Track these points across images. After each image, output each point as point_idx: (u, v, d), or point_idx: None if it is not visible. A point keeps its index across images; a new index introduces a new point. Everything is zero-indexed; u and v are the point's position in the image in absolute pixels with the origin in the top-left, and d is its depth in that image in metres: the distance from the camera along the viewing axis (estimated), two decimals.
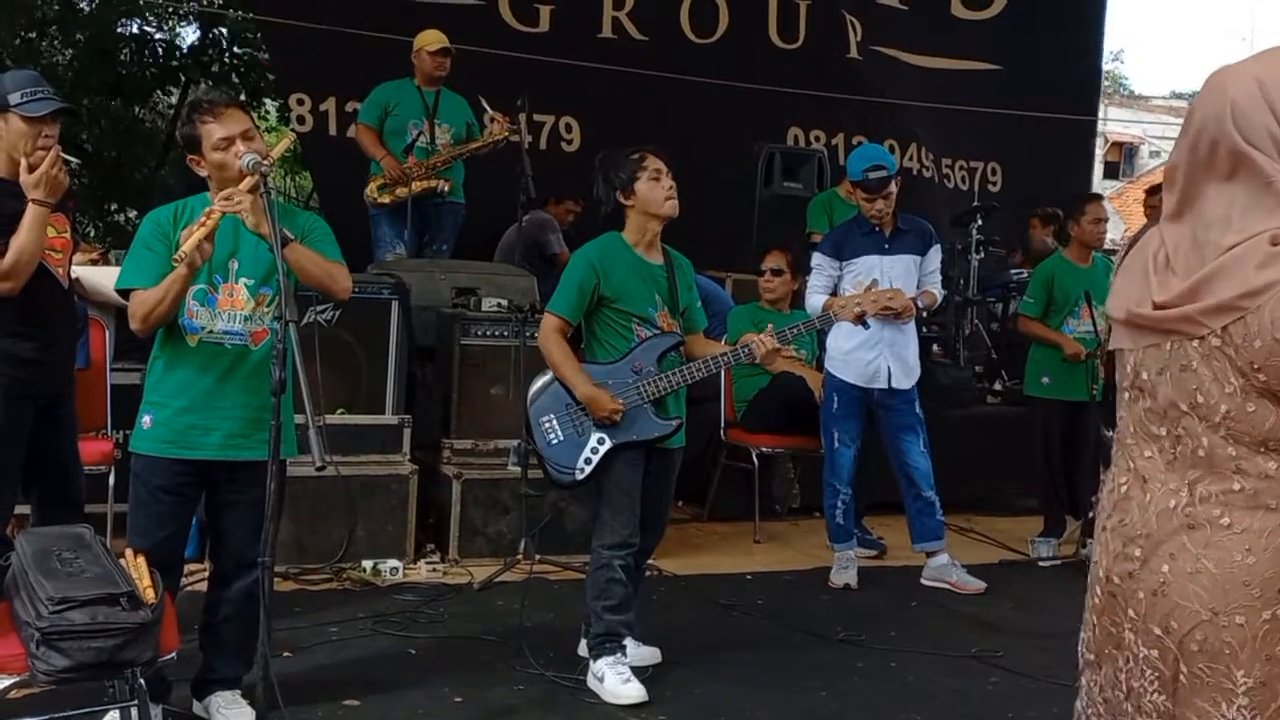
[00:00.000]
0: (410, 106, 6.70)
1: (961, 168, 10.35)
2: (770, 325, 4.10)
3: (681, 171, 4.08)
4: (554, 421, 3.95)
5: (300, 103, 8.06)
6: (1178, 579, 1.67)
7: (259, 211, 3.16)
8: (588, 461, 3.92)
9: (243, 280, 3.36)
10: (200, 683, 3.52)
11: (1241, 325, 1.58)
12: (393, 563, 5.12)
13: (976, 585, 5.36)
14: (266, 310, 3.36)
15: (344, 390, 5.40)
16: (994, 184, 10.36)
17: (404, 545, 5.25)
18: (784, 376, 6.07)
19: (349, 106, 7.75)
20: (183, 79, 13.90)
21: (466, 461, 5.53)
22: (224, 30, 13.94)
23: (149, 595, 2.83)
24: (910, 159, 9.83)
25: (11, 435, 3.67)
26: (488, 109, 6.72)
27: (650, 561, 4.57)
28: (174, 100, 14.90)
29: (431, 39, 6.75)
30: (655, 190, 3.97)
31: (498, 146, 6.67)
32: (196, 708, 3.51)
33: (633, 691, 3.82)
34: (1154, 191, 6.65)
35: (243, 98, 11.30)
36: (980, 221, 8.25)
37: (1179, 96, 33.03)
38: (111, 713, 2.92)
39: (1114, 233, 14.18)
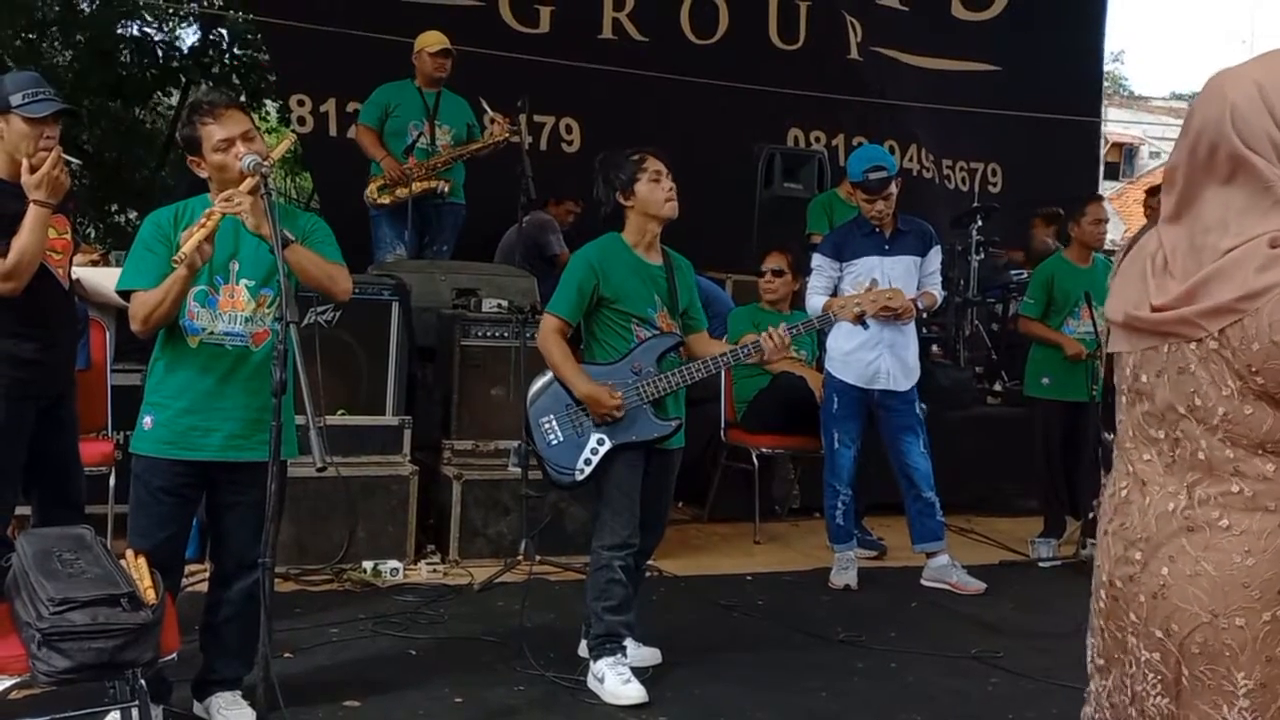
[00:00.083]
0: (411, 107, 6.70)
1: (962, 169, 10.35)
2: (783, 325, 4.09)
3: (681, 172, 4.08)
4: (553, 422, 3.95)
5: (301, 104, 8.08)
6: (1177, 581, 1.67)
7: (259, 213, 3.17)
8: (587, 462, 3.92)
9: (243, 281, 3.36)
10: (201, 683, 3.52)
11: (1239, 328, 1.58)
12: (393, 563, 5.13)
13: (976, 586, 5.36)
14: (267, 311, 3.36)
15: (344, 391, 5.40)
16: (994, 185, 10.37)
17: (404, 546, 5.25)
18: (784, 377, 6.07)
19: (349, 107, 7.76)
20: (183, 80, 13.91)
21: (467, 462, 5.54)
22: (224, 31, 13.95)
23: (150, 596, 2.83)
24: (910, 160, 9.83)
25: (12, 436, 3.67)
26: (488, 110, 6.72)
27: (650, 562, 4.57)
28: (174, 101, 14.90)
29: (432, 40, 6.76)
30: (655, 192, 3.97)
31: (498, 148, 6.67)
32: (197, 708, 3.51)
33: (633, 692, 3.82)
34: (1154, 192, 6.65)
35: (243, 99, 11.29)
36: (980, 222, 8.26)
37: (1179, 97, 33.04)
38: (112, 713, 2.92)
39: (1114, 233, 14.18)
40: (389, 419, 5.47)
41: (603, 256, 4.00)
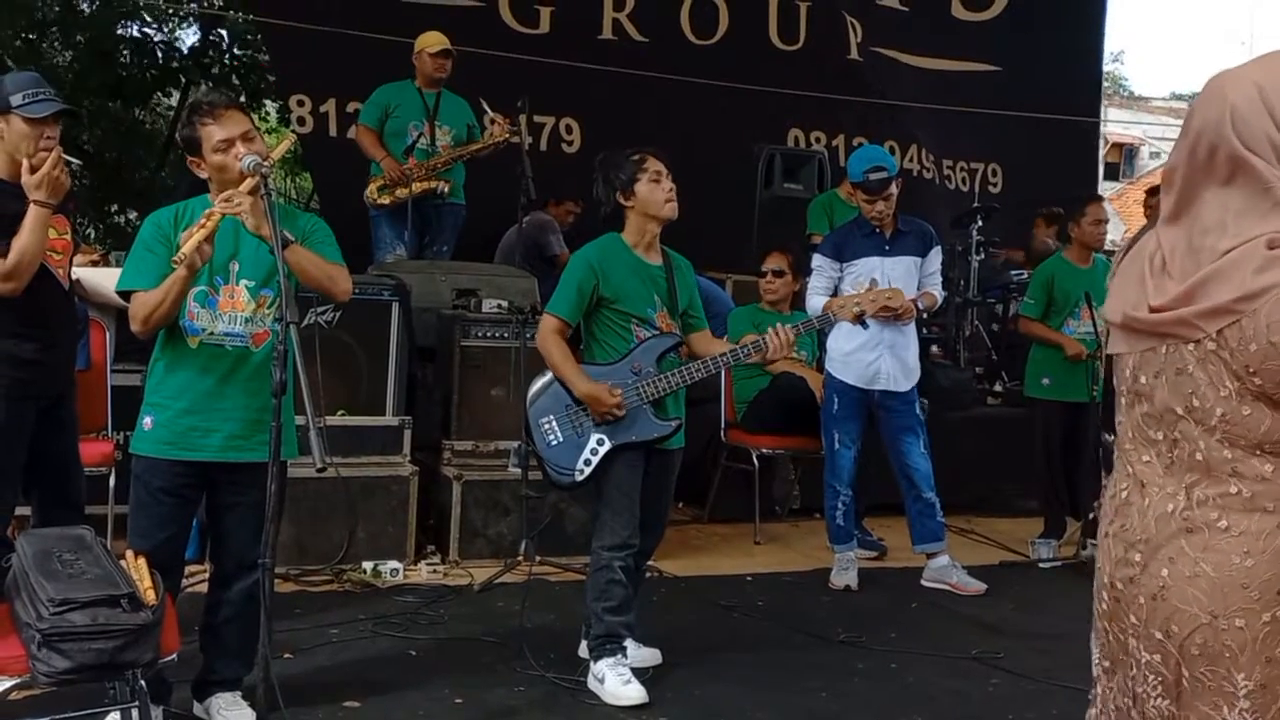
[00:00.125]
0: (411, 108, 6.70)
1: (962, 169, 10.35)
2: (787, 326, 4.10)
3: (681, 173, 4.08)
4: (553, 423, 3.95)
5: (300, 104, 8.08)
6: (1177, 583, 1.67)
7: (259, 213, 3.17)
8: (587, 463, 3.92)
9: (243, 282, 3.36)
10: (201, 684, 3.52)
11: (1237, 329, 1.58)
12: (393, 564, 5.12)
13: (977, 586, 5.36)
14: (267, 312, 3.36)
15: (344, 392, 5.40)
16: (994, 185, 10.37)
17: (404, 547, 5.25)
18: (784, 377, 6.07)
19: (349, 108, 7.76)
20: (183, 80, 13.91)
21: (467, 463, 5.54)
22: (224, 32, 13.95)
23: (150, 597, 2.83)
24: (911, 160, 9.83)
25: (12, 436, 3.67)
26: (488, 110, 6.73)
27: (650, 563, 4.57)
28: (174, 102, 14.90)
29: (432, 41, 6.76)
30: (655, 192, 3.97)
31: (498, 148, 6.67)
32: (197, 709, 3.51)
33: (633, 693, 3.82)
34: (1154, 192, 6.65)
35: (243, 99, 11.29)
36: (980, 223, 8.26)
37: (1179, 98, 33.04)
38: (112, 714, 2.92)
39: (1114, 234, 14.18)
40: (389, 419, 5.47)
41: (602, 256, 4.00)
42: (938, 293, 5.51)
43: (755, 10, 9.32)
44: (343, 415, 5.35)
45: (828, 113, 9.46)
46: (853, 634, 4.64)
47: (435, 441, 5.65)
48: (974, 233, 8.21)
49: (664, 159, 4.02)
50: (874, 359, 5.28)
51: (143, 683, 2.85)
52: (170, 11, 13.79)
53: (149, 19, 14.03)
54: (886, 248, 5.33)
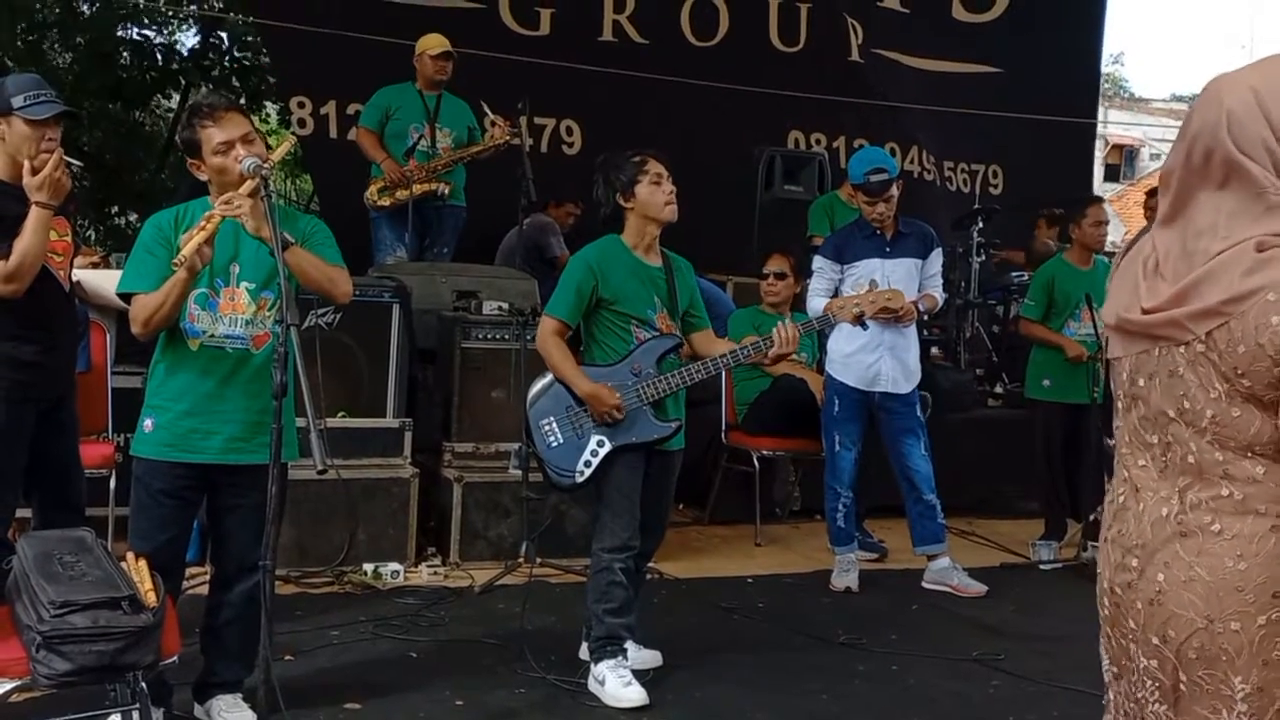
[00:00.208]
0: (411, 110, 6.70)
1: (963, 170, 10.35)
2: (790, 323, 4.10)
3: (682, 174, 4.09)
4: (553, 424, 3.95)
5: (301, 106, 8.07)
6: (1173, 587, 1.67)
7: (259, 215, 3.16)
8: (587, 464, 3.92)
9: (244, 284, 3.36)
10: (201, 686, 3.52)
11: (1225, 331, 1.58)
12: (394, 566, 5.12)
13: (977, 588, 5.36)
14: (268, 314, 3.36)
15: (345, 393, 5.40)
16: (995, 186, 10.37)
17: (405, 548, 5.25)
18: (785, 379, 6.07)
19: (350, 110, 7.76)
20: (183, 82, 13.91)
21: (467, 465, 5.53)
22: (224, 34, 13.94)
23: (150, 599, 2.83)
24: (911, 162, 9.83)
25: (13, 438, 3.67)
26: (488, 113, 6.73)
27: (651, 564, 4.57)
28: (174, 104, 14.90)
29: (433, 43, 6.76)
30: (655, 194, 3.98)
31: (499, 150, 6.67)
32: (198, 711, 3.51)
33: (634, 695, 3.82)
34: (1154, 194, 6.57)
35: (243, 101, 11.29)
36: (981, 224, 8.26)
37: (1179, 99, 33.04)
38: (113, 716, 2.92)
39: (1114, 235, 14.19)
40: (389, 421, 5.47)
41: (602, 258, 4.00)
42: (938, 294, 5.51)
43: (756, 12, 9.32)
44: (343, 417, 5.35)
45: (828, 114, 9.45)
46: (853, 636, 4.64)
47: (436, 443, 5.65)
48: (975, 234, 8.21)
49: (665, 161, 4.02)
50: (874, 361, 5.28)
51: (143, 685, 2.85)
52: (170, 14, 13.79)
53: (145, 20, 14.00)
54: (887, 249, 5.33)
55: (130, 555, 3.13)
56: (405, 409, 5.57)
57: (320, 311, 5.07)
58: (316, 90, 8.03)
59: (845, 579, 5.39)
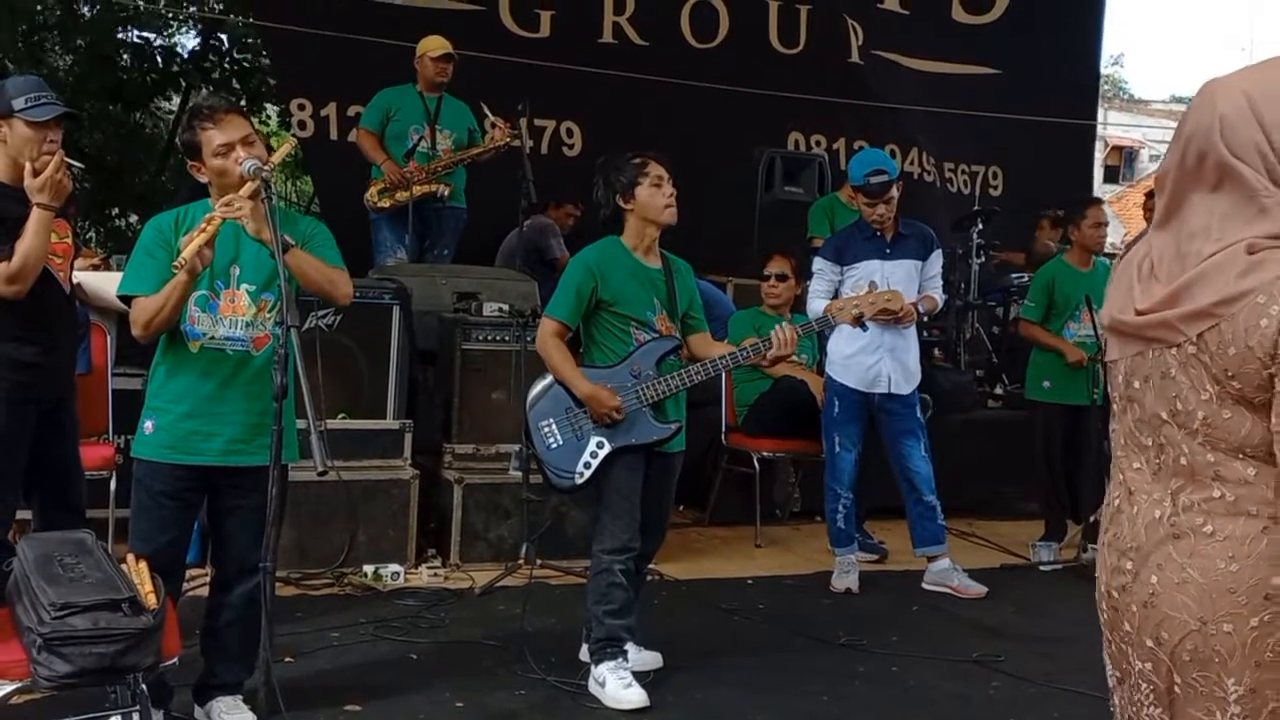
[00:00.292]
0: (412, 112, 6.71)
1: (963, 172, 10.35)
2: (788, 325, 4.11)
3: (682, 176, 4.09)
4: (553, 426, 3.95)
5: (301, 108, 8.08)
6: (1166, 590, 1.67)
7: (259, 217, 3.17)
8: (587, 466, 3.92)
9: (244, 286, 3.36)
10: (202, 688, 3.52)
11: (1216, 333, 1.59)
12: (394, 568, 5.12)
13: (978, 589, 5.36)
14: (268, 316, 3.36)
15: (345, 395, 5.40)
16: (995, 188, 10.37)
17: (405, 550, 5.25)
18: (785, 380, 6.07)
19: (350, 111, 7.76)
20: (183, 84, 13.92)
21: (468, 466, 5.53)
22: (224, 36, 13.95)
23: (151, 600, 2.83)
24: (911, 163, 9.83)
25: (13, 440, 3.67)
26: (489, 114, 6.73)
27: (651, 566, 4.57)
28: (175, 106, 14.90)
29: (434, 45, 6.76)
30: (656, 197, 3.98)
31: (499, 152, 6.68)
32: (198, 713, 3.51)
33: (634, 696, 3.82)
34: (1153, 195, 6.65)
35: (243, 103, 11.29)
36: (981, 225, 8.27)
37: (1179, 100, 33.05)
38: (113, 718, 2.92)
39: (1114, 236, 14.20)
40: (390, 423, 5.47)
41: (601, 259, 4.00)
42: (938, 296, 5.51)
43: (756, 13, 9.32)
44: (343, 419, 5.35)
45: (828, 116, 9.45)
46: (854, 637, 4.64)
47: (436, 445, 5.65)
48: (975, 236, 8.21)
49: (665, 164, 4.03)
50: (874, 362, 5.28)
51: (144, 687, 2.85)
52: (170, 16, 13.79)
53: (147, 21, 14.00)
54: (887, 251, 5.33)
55: (130, 557, 3.13)
56: (405, 410, 5.57)
57: (320, 313, 5.06)
58: (317, 92, 8.04)
59: (845, 580, 5.39)
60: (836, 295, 5.22)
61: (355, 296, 3.64)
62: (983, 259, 8.27)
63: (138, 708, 2.83)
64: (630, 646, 4.02)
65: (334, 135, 8.02)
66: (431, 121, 6.70)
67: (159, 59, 13.91)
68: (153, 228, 3.37)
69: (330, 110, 8.04)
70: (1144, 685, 1.72)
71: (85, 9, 13.69)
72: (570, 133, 8.75)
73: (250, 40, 13.18)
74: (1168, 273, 1.67)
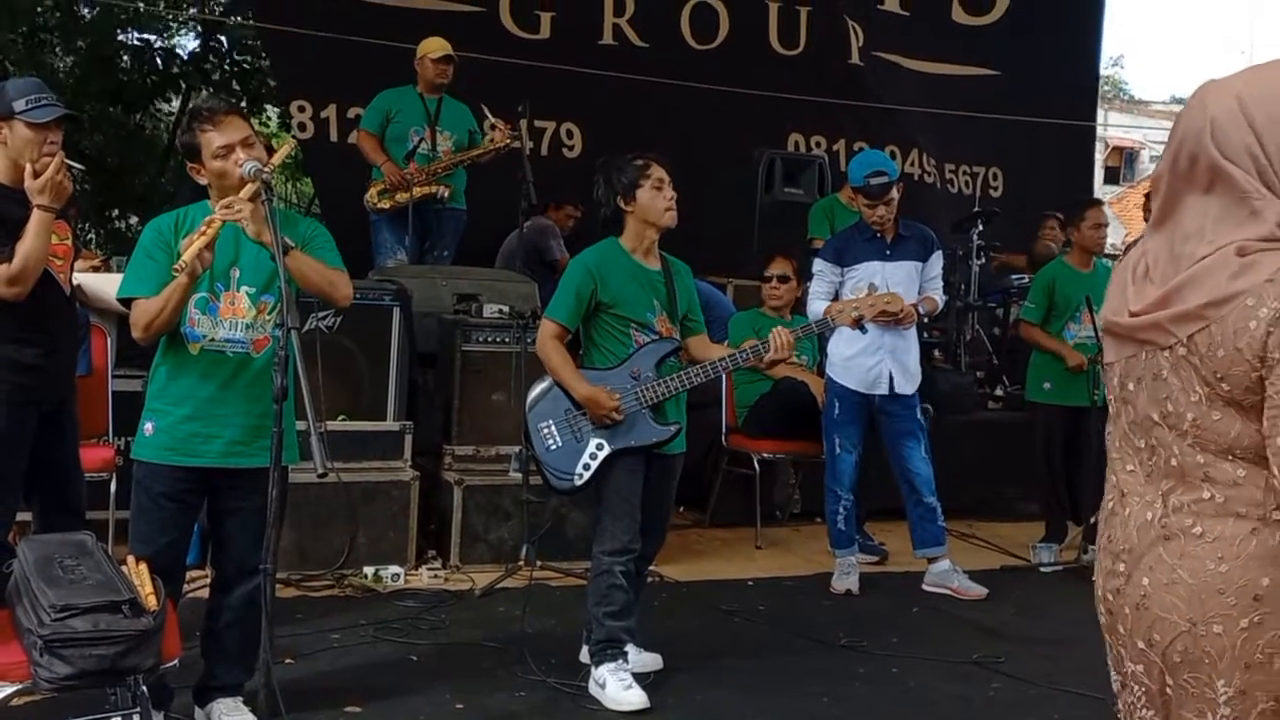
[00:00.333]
0: (412, 113, 6.71)
1: (963, 173, 10.35)
2: (785, 329, 4.10)
3: (682, 177, 4.09)
4: (552, 427, 3.95)
5: (301, 109, 8.07)
6: (1157, 591, 1.68)
7: (259, 219, 3.17)
8: (586, 467, 3.92)
9: (244, 288, 3.36)
10: (202, 689, 3.52)
11: (1206, 334, 1.59)
12: (394, 569, 5.12)
13: (978, 591, 5.36)
14: (268, 318, 3.36)
15: (345, 397, 5.40)
16: (995, 189, 10.37)
17: (405, 552, 5.25)
18: (785, 382, 6.07)
19: (350, 113, 7.76)
20: (183, 86, 13.91)
21: (468, 468, 5.53)
22: (223, 38, 13.95)
23: (151, 602, 2.83)
24: (912, 165, 9.83)
25: (14, 442, 3.67)
26: (489, 116, 6.73)
27: (651, 567, 4.57)
28: (175, 107, 14.91)
29: (434, 46, 6.76)
30: (657, 200, 3.98)
31: (499, 153, 6.68)
32: (198, 715, 3.51)
33: (634, 698, 3.81)
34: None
35: (243, 105, 11.30)
36: (981, 227, 8.27)
37: (1179, 101, 32.99)
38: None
39: (1114, 237, 14.20)
40: (390, 424, 5.47)
41: (601, 261, 4.00)
42: (939, 297, 5.51)
43: (755, 15, 9.32)
44: (344, 420, 5.35)
45: (828, 117, 9.45)
46: (854, 639, 4.64)
47: (436, 446, 5.65)
48: (975, 237, 8.21)
49: (666, 166, 4.03)
50: (875, 363, 5.28)
51: (144, 688, 2.85)
52: (170, 18, 13.79)
53: (148, 24, 14.01)
54: (888, 252, 5.33)
55: (131, 559, 3.13)
56: (405, 412, 5.57)
57: (321, 315, 5.06)
58: (317, 93, 8.03)
59: (846, 582, 5.39)
60: (837, 297, 5.23)
61: (355, 298, 3.64)
62: (983, 260, 8.27)
63: (138, 709, 2.83)
64: (630, 648, 4.02)
65: (334, 137, 8.02)
66: (432, 123, 6.70)
67: (159, 61, 13.90)
68: (152, 230, 3.37)
69: (330, 112, 8.04)
70: (1136, 688, 1.73)
71: (85, 11, 13.68)
72: (570, 134, 8.75)
73: (250, 42, 13.18)
74: (1162, 274, 1.68)
